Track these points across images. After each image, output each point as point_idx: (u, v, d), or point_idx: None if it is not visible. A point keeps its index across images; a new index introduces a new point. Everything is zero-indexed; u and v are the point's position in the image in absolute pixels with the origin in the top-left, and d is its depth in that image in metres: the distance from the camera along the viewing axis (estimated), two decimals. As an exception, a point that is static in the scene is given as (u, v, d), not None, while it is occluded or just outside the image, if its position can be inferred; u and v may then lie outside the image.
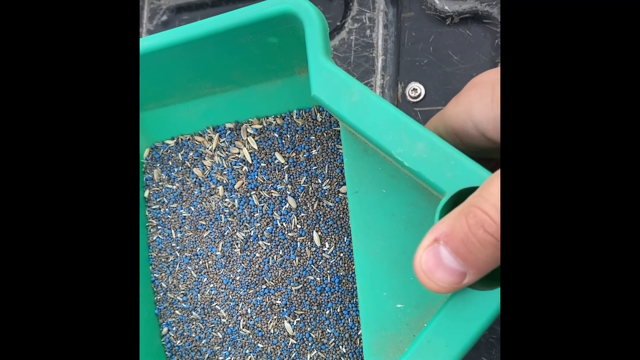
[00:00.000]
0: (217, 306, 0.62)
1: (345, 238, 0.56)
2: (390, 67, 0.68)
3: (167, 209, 0.65)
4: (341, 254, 0.56)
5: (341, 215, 0.56)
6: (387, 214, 0.49)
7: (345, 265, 0.56)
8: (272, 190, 0.59)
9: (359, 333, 0.56)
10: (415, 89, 0.66)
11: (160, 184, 0.66)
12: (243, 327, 0.61)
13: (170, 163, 0.65)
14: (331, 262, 0.57)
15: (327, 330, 0.57)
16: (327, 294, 0.57)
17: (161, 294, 0.66)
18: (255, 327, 0.61)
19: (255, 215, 0.60)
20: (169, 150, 0.65)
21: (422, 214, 0.48)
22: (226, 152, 0.61)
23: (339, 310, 0.57)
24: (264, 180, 0.59)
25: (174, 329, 0.65)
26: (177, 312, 0.65)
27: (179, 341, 0.65)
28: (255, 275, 0.60)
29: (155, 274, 0.66)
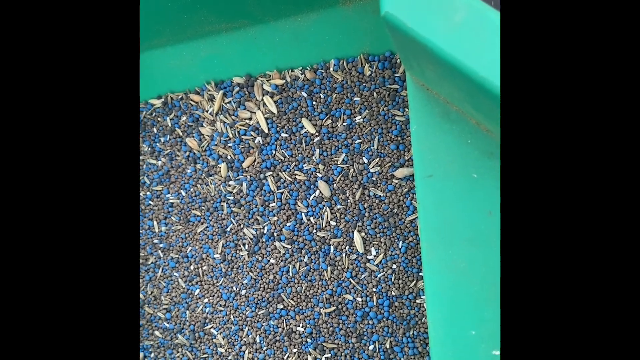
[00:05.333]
0: (212, 330, 0.46)
1: (401, 243, 0.40)
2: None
3: (148, 193, 0.48)
4: (394, 266, 0.40)
5: (396, 210, 0.40)
6: (480, 210, 0.34)
7: (400, 281, 0.40)
8: (295, 172, 0.42)
9: (416, 380, 0.39)
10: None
11: (141, 158, 0.48)
12: (248, 362, 0.44)
13: (154, 130, 0.48)
14: (379, 276, 0.40)
15: (370, 373, 0.41)
16: (371, 322, 0.40)
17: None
18: (265, 362, 0.44)
19: (270, 205, 0.43)
20: (153, 113, 0.48)
21: (539, 213, 0.32)
22: (232, 117, 0.44)
23: (388, 345, 0.40)
24: (284, 157, 0.43)
25: (152, 355, 0.48)
26: (156, 333, 0.48)
27: (158, 372, 0.48)
28: (269, 290, 0.43)
29: (129, 280, 0.49)
